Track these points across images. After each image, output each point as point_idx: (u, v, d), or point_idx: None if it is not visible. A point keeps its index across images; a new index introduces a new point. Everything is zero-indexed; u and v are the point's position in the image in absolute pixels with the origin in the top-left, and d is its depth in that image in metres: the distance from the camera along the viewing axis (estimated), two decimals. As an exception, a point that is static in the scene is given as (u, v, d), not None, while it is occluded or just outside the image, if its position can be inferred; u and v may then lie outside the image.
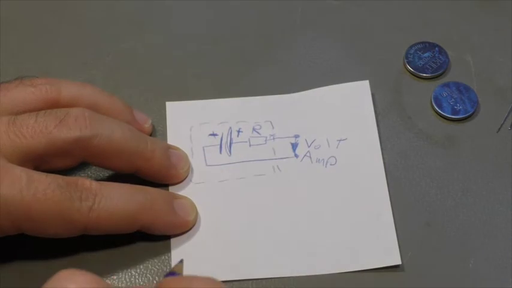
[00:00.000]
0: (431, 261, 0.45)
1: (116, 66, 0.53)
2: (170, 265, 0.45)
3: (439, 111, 0.51)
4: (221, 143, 0.50)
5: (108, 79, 0.52)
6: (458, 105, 0.51)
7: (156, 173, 0.46)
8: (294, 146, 0.50)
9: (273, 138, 0.50)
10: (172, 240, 0.45)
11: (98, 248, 0.45)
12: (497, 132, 0.51)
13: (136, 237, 0.45)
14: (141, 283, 0.44)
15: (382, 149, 0.49)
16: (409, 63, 0.53)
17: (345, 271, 0.45)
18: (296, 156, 0.49)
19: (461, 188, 0.48)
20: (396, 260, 0.45)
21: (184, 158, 0.48)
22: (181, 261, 0.41)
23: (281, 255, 0.45)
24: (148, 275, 0.45)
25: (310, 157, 0.49)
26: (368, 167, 0.49)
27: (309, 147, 0.49)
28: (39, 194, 0.40)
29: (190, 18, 0.56)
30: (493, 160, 0.49)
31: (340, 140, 0.50)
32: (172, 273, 0.40)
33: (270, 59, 0.54)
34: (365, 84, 0.51)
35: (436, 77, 0.53)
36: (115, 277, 0.44)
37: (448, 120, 0.51)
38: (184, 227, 0.45)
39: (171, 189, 0.47)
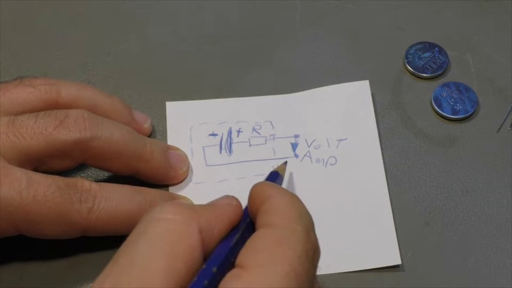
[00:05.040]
0: (431, 261, 0.45)
1: (116, 66, 0.53)
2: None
3: (439, 111, 0.51)
4: (221, 143, 0.50)
5: (108, 79, 0.53)
6: (458, 105, 0.51)
7: (155, 175, 0.46)
8: (294, 146, 0.50)
9: (273, 138, 0.50)
10: (172, 241, 0.45)
11: (97, 248, 0.45)
12: (497, 132, 0.51)
13: (136, 237, 0.45)
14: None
15: (382, 149, 0.49)
16: (409, 63, 0.53)
17: (345, 271, 0.45)
18: (296, 156, 0.49)
19: (461, 188, 0.48)
20: (396, 260, 0.45)
21: (183, 158, 0.48)
22: (285, 163, 0.43)
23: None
24: (148, 275, 0.45)
25: (310, 157, 0.49)
26: (368, 167, 0.49)
27: (309, 147, 0.49)
28: (39, 196, 0.40)
29: (190, 18, 0.56)
30: (493, 160, 0.49)
31: (340, 140, 0.50)
32: (275, 173, 0.42)
33: (270, 59, 0.54)
34: (365, 84, 0.51)
35: (436, 77, 0.53)
36: (115, 277, 0.44)
37: (448, 120, 0.51)
38: (184, 228, 0.45)
39: (171, 189, 0.47)
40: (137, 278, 0.33)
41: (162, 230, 0.34)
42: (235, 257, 0.35)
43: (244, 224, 0.37)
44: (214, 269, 0.34)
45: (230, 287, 0.33)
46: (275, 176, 0.43)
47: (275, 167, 0.48)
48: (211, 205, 0.37)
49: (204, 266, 0.34)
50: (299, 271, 0.33)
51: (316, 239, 0.36)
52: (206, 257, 0.35)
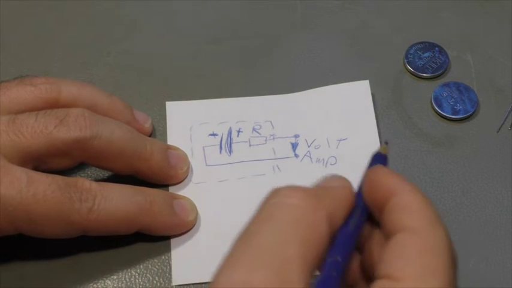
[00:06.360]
0: (431, 261, 0.45)
1: (116, 66, 0.53)
2: (170, 265, 0.45)
3: (439, 111, 0.51)
4: (221, 143, 0.50)
5: (108, 79, 0.53)
6: (458, 105, 0.51)
7: (155, 174, 0.46)
8: (294, 146, 0.50)
9: (273, 138, 0.50)
10: (172, 241, 0.45)
11: (98, 248, 0.45)
12: (497, 132, 0.51)
13: (136, 237, 0.45)
14: (141, 283, 0.44)
15: (382, 149, 0.49)
16: (409, 63, 0.53)
17: (345, 271, 0.45)
18: (296, 156, 0.49)
19: (461, 188, 0.48)
20: (396, 260, 0.45)
21: (183, 158, 0.48)
22: (384, 144, 0.39)
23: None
24: (148, 275, 0.45)
25: (310, 157, 0.49)
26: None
27: (309, 147, 0.49)
28: (39, 195, 0.40)
29: (191, 18, 0.56)
30: (493, 160, 0.49)
31: (340, 140, 0.50)
32: (379, 154, 0.38)
33: (270, 59, 0.54)
34: (365, 84, 0.51)
35: (436, 77, 0.53)
36: (115, 277, 0.44)
37: (448, 120, 0.51)
38: (184, 228, 0.45)
39: (171, 189, 0.47)
40: (274, 263, 0.31)
41: (291, 215, 0.33)
42: (354, 243, 0.34)
43: (358, 210, 0.36)
44: (339, 259, 0.33)
45: None
46: (383, 160, 0.38)
47: (277, 166, 0.48)
48: (330, 189, 0.35)
49: (329, 257, 0.33)
50: (451, 282, 0.32)
51: (453, 244, 0.34)
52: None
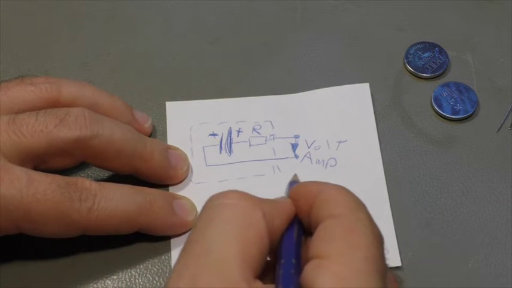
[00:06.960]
0: (431, 261, 0.45)
1: (116, 66, 0.53)
2: (170, 265, 0.45)
3: (439, 111, 0.51)
4: (221, 143, 0.50)
5: (108, 79, 0.53)
6: (458, 105, 0.51)
7: (155, 174, 0.46)
8: (294, 147, 0.50)
9: (273, 138, 0.50)
10: (172, 241, 0.45)
11: (98, 248, 0.45)
12: (497, 132, 0.51)
13: (137, 237, 0.45)
14: (141, 283, 0.44)
15: (382, 149, 0.49)
16: (409, 63, 0.53)
17: (345, 271, 0.45)
18: (296, 156, 0.49)
19: (461, 188, 0.48)
20: (396, 262, 0.45)
21: (183, 158, 0.48)
22: (295, 175, 0.42)
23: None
24: (148, 275, 0.45)
25: (310, 158, 0.49)
26: (368, 170, 0.49)
27: (309, 148, 0.49)
28: (39, 195, 0.40)
29: (190, 18, 0.56)
30: (493, 160, 0.49)
31: (340, 142, 0.50)
32: (294, 181, 0.41)
33: (270, 59, 0.54)
34: (365, 87, 0.51)
35: (436, 77, 0.53)
36: (115, 277, 0.44)
37: (448, 120, 0.51)
38: (184, 228, 0.45)
39: (171, 189, 0.47)
40: (215, 264, 0.33)
41: (230, 215, 0.35)
42: (300, 250, 0.36)
43: (296, 223, 0.38)
44: (294, 261, 0.35)
45: (318, 277, 0.33)
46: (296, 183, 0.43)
47: (277, 166, 0.48)
48: (270, 199, 0.38)
49: (282, 259, 0.35)
50: (376, 256, 0.34)
51: (377, 225, 0.36)
52: (271, 247, 0.36)
